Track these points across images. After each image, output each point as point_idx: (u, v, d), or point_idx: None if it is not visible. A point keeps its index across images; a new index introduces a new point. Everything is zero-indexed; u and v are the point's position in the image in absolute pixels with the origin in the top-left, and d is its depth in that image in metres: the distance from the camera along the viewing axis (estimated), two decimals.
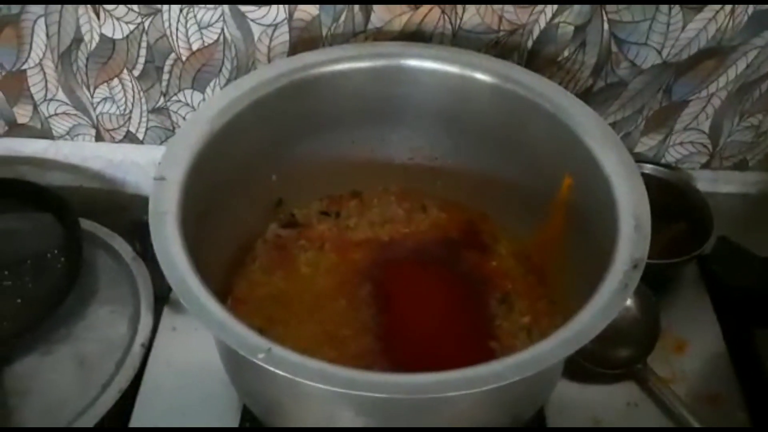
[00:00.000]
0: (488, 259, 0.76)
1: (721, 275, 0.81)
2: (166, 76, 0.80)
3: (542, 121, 0.65)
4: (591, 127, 0.62)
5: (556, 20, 0.72)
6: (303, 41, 0.75)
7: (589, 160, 0.61)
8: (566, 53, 0.75)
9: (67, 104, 0.84)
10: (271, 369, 0.46)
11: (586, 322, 0.50)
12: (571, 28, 0.73)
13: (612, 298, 0.51)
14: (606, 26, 0.72)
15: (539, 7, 0.71)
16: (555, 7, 0.71)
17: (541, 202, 0.69)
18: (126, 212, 0.89)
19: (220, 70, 0.79)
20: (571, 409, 0.71)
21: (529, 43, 0.74)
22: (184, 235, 0.55)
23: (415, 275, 0.75)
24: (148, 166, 0.89)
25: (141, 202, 0.92)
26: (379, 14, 0.73)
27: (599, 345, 0.71)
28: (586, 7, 0.71)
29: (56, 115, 0.85)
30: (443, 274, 0.75)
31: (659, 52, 0.74)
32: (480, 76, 0.68)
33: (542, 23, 0.73)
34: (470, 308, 0.73)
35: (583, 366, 0.72)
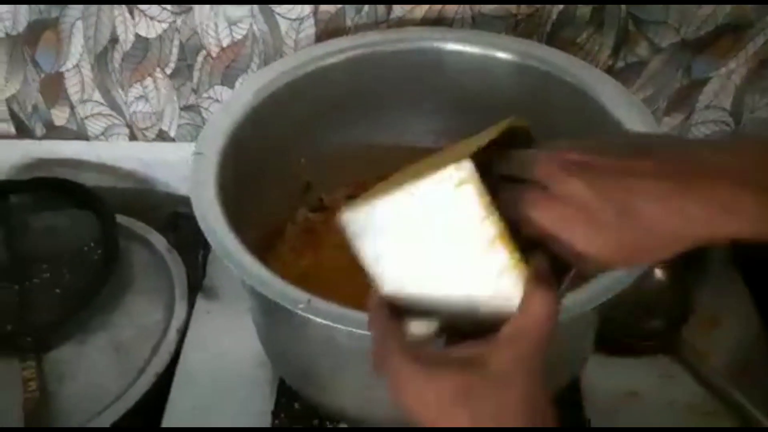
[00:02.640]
0: None
1: (752, 249, 0.80)
2: (196, 74, 0.83)
3: (566, 95, 0.67)
4: (616, 98, 0.64)
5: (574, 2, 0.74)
6: (328, 33, 0.78)
7: (618, 131, 0.62)
8: (585, 34, 0.77)
9: (102, 104, 0.87)
10: (312, 318, 0.47)
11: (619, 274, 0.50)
12: (589, 8, 0.75)
13: None
14: (623, 6, 0.74)
15: None
16: None
17: None
18: (159, 210, 0.91)
19: (249, 65, 0.82)
20: (605, 382, 0.71)
21: (548, 26, 0.76)
22: (222, 204, 0.57)
23: None
24: (180, 164, 0.90)
25: (173, 200, 0.95)
26: (401, 3, 0.75)
27: (630, 315, 0.71)
28: None
29: (92, 115, 0.88)
30: None
31: (677, 30, 0.75)
32: (501, 54, 0.70)
33: (560, 5, 0.75)
34: None
35: (616, 338, 0.72)
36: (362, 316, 0.48)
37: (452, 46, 0.71)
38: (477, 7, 0.75)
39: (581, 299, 0.50)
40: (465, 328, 0.37)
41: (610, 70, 0.79)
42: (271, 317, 0.59)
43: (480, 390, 0.33)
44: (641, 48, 0.77)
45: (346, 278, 0.71)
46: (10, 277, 0.79)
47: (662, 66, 0.78)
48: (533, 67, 0.67)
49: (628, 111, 0.62)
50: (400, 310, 0.39)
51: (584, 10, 0.75)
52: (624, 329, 0.71)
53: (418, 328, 0.39)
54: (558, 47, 0.76)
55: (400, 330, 0.37)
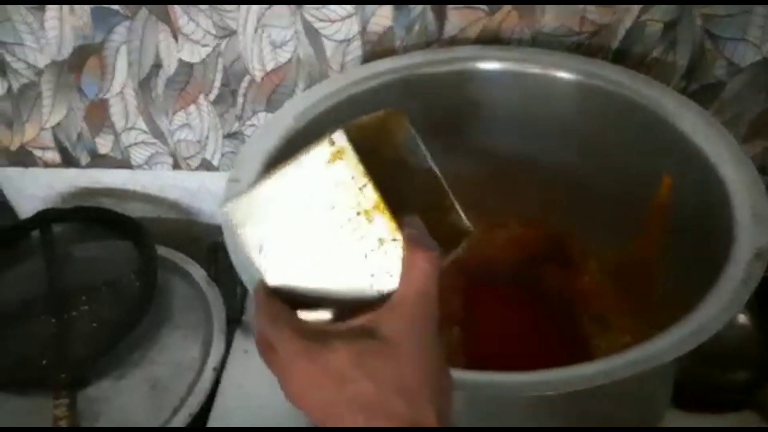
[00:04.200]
0: (576, 276, 0.70)
1: None
2: (240, 99, 0.80)
3: (637, 118, 0.61)
4: (695, 122, 0.57)
5: (643, 18, 0.68)
6: (376, 55, 0.74)
7: (693, 154, 0.56)
8: (655, 53, 0.70)
9: (145, 132, 0.85)
10: None
11: (705, 318, 0.44)
12: (660, 25, 0.69)
13: (733, 291, 0.45)
14: (699, 22, 0.68)
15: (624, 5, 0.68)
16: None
17: (635, 208, 0.64)
18: (200, 241, 0.88)
19: (293, 89, 0.78)
20: None
21: (614, 44, 0.70)
22: None
23: (495, 294, 0.70)
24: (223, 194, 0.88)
25: (216, 231, 0.92)
26: (454, 22, 0.71)
27: (711, 366, 0.64)
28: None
29: (135, 144, 0.86)
30: (525, 293, 0.70)
31: (759, 48, 0.68)
32: (562, 74, 0.64)
33: (628, 22, 0.69)
34: (559, 328, 0.67)
35: (696, 392, 0.64)
36: None
37: (509, 66, 0.66)
38: (536, 26, 0.70)
39: (660, 349, 0.44)
40: (357, 312, 0.36)
41: (683, 92, 0.72)
42: None
43: (376, 356, 0.33)
44: (718, 68, 0.70)
45: None
46: (48, 309, 0.77)
47: (742, 88, 0.71)
48: (599, 88, 0.62)
49: (709, 137, 0.56)
50: (290, 303, 0.38)
51: (654, 27, 0.69)
52: (705, 382, 0.63)
53: (311, 318, 0.38)
54: (626, 67, 0.70)
55: (289, 312, 0.37)
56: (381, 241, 0.35)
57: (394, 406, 0.33)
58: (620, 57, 0.71)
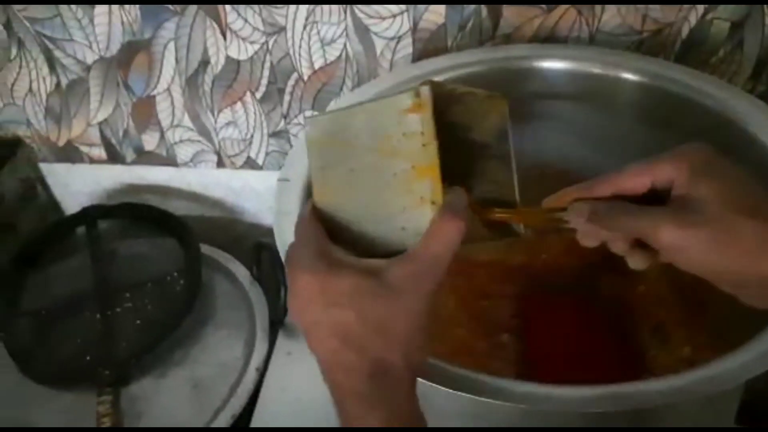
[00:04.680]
0: (634, 284, 0.67)
1: None
2: (287, 97, 0.79)
3: (704, 121, 0.58)
4: (762, 121, 0.54)
5: (709, 17, 0.65)
6: (427, 53, 0.72)
7: (764, 158, 0.53)
8: (721, 53, 0.67)
9: (191, 130, 0.84)
10: None
11: None
12: (727, 24, 0.66)
13: None
14: (767, 21, 0.65)
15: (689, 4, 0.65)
16: None
17: None
18: (244, 240, 0.87)
19: (341, 88, 0.77)
20: None
21: (677, 44, 0.67)
22: None
23: (549, 302, 0.68)
24: (267, 193, 0.87)
25: (259, 230, 0.91)
26: (509, 19, 0.69)
27: None
28: None
29: (181, 141, 0.86)
30: (580, 302, 0.67)
31: None
32: (625, 75, 0.62)
33: (692, 20, 0.66)
34: (615, 338, 0.64)
35: (762, 407, 0.61)
36: (461, 374, 0.42)
37: (567, 66, 0.63)
38: (595, 24, 0.67)
39: (731, 370, 0.41)
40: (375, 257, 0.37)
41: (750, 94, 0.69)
42: None
43: (371, 294, 0.35)
44: None
45: (440, 323, 0.65)
46: (93, 305, 0.77)
47: None
48: (663, 90, 0.59)
49: None
50: (326, 228, 0.39)
51: (721, 27, 0.66)
52: None
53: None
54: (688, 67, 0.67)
55: (322, 233, 0.38)
56: (422, 200, 0.36)
57: (369, 342, 0.35)
58: (683, 57, 0.68)
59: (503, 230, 0.42)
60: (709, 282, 0.37)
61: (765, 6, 0.64)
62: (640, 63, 0.61)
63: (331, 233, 0.39)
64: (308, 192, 0.55)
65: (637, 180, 0.37)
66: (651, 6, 0.65)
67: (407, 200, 0.37)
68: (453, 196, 0.36)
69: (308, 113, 0.80)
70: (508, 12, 0.68)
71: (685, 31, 0.66)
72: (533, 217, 0.42)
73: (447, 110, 0.38)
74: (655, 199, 0.37)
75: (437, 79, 0.58)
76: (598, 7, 0.66)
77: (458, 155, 0.39)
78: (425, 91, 0.36)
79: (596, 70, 0.62)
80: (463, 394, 0.41)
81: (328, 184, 0.40)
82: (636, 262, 0.39)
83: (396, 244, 0.37)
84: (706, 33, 0.66)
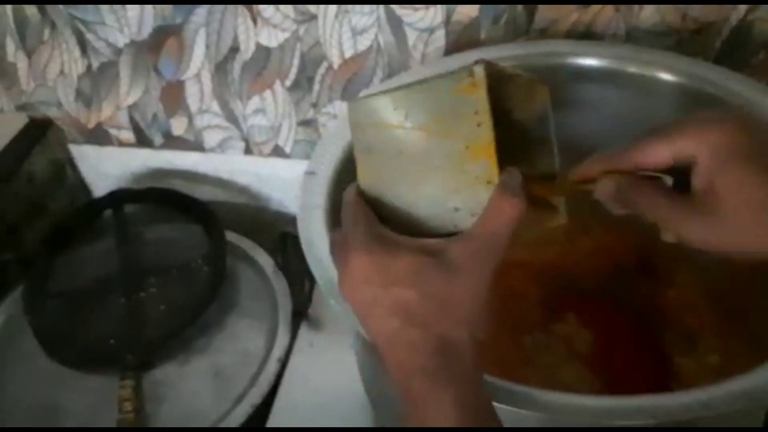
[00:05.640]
0: (666, 289, 0.66)
1: None
2: (317, 86, 0.78)
3: None
4: None
5: (750, 17, 0.63)
6: (460, 46, 0.71)
7: None
8: (762, 55, 0.65)
9: (219, 116, 0.84)
10: None
11: None
12: None
13: None
14: None
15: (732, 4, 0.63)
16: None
17: None
18: (270, 228, 0.87)
19: (371, 78, 0.76)
20: None
21: (717, 44, 0.65)
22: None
23: (576, 304, 0.67)
24: (294, 182, 0.87)
25: (285, 219, 0.91)
26: (544, 14, 0.67)
27: None
28: None
29: (209, 127, 0.86)
30: (608, 304, 0.66)
31: None
32: (663, 75, 0.60)
33: (733, 21, 0.64)
34: (644, 343, 0.63)
35: None
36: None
37: (603, 64, 0.62)
38: (633, 21, 0.65)
39: (759, 385, 0.40)
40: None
41: None
42: (377, 366, 0.52)
43: (432, 272, 0.35)
44: None
45: None
46: (119, 289, 0.78)
47: None
48: (703, 92, 0.57)
49: None
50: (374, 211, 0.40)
51: (763, 27, 0.64)
52: None
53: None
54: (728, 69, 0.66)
55: (372, 215, 0.39)
56: (478, 179, 0.36)
57: (431, 318, 0.35)
58: (723, 58, 0.66)
59: (545, 216, 0.42)
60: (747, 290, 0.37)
61: None
62: (677, 63, 0.59)
63: (377, 216, 0.39)
64: (335, 185, 0.55)
65: (658, 156, 0.37)
66: (691, 5, 0.63)
67: (461, 181, 0.37)
68: (509, 176, 0.36)
69: (338, 103, 0.79)
70: (544, 7, 0.66)
71: (725, 32, 0.64)
72: (564, 189, 0.42)
73: (497, 92, 0.38)
74: (678, 171, 0.37)
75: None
76: (636, 5, 0.65)
77: (505, 138, 0.39)
78: (480, 71, 0.36)
79: (632, 69, 0.61)
80: None
81: (373, 166, 0.40)
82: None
83: (448, 225, 0.37)
84: (747, 34, 0.64)
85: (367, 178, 0.40)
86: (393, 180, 0.39)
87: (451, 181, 0.37)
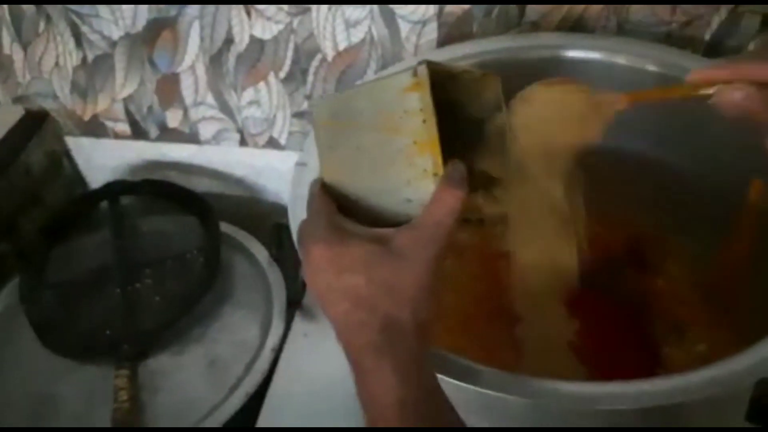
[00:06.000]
0: (655, 280, 0.67)
1: None
2: (310, 78, 0.79)
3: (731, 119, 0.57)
4: None
5: (741, 9, 0.64)
6: (452, 38, 0.71)
7: None
8: (751, 47, 0.66)
9: (214, 108, 0.85)
10: None
11: None
12: (758, 18, 0.64)
13: None
14: None
15: None
16: None
17: (723, 213, 0.60)
18: (265, 219, 0.88)
19: (365, 70, 0.76)
20: None
21: (707, 36, 0.66)
22: None
23: (566, 294, 0.67)
24: (288, 173, 0.87)
25: (280, 210, 0.91)
26: (535, 7, 0.68)
27: None
28: None
29: (204, 119, 0.86)
30: (599, 294, 0.67)
31: None
32: (651, 67, 0.60)
33: (723, 13, 0.64)
34: (633, 333, 0.64)
35: None
36: (468, 366, 0.42)
37: (592, 56, 0.62)
38: (624, 13, 0.66)
39: (743, 368, 0.41)
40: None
41: None
42: None
43: (380, 259, 0.38)
44: None
45: (457, 311, 0.65)
46: (114, 280, 0.78)
47: None
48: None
49: None
50: (336, 203, 0.42)
51: (752, 20, 0.64)
52: None
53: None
54: None
55: (332, 208, 0.42)
56: (425, 172, 0.39)
57: (378, 301, 0.38)
58: (712, 50, 0.67)
59: (500, 200, 0.44)
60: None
61: None
62: (665, 55, 0.60)
63: (340, 208, 0.42)
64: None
65: None
66: None
67: (411, 174, 0.39)
68: (453, 168, 0.39)
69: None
70: None
71: (715, 24, 0.65)
72: (677, 92, 0.43)
73: (446, 89, 0.41)
74: None
75: (442, 62, 0.59)
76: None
77: (458, 132, 0.42)
78: (423, 70, 0.38)
79: (621, 61, 0.61)
80: (469, 386, 0.41)
81: (335, 162, 0.43)
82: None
83: (402, 215, 0.40)
84: (737, 26, 0.65)
85: (329, 172, 0.43)
86: (352, 174, 0.42)
87: (403, 174, 0.39)
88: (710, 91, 0.40)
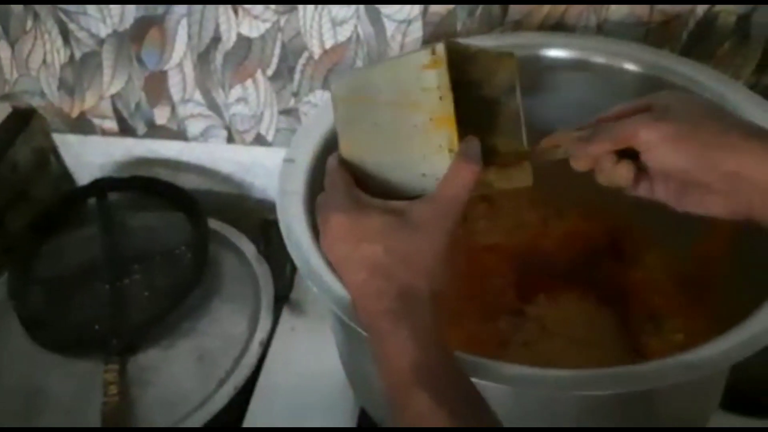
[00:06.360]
0: (633, 271, 0.68)
1: None
2: (297, 76, 0.80)
3: None
4: (761, 117, 0.55)
5: (716, 9, 0.66)
6: (437, 37, 0.73)
7: None
8: (727, 45, 0.68)
9: (202, 105, 0.85)
10: None
11: (764, 323, 0.43)
12: (733, 18, 0.66)
13: None
14: None
15: None
16: None
17: None
18: (252, 216, 0.89)
19: (352, 68, 0.78)
20: None
21: (684, 35, 0.68)
22: (311, 218, 0.53)
23: (548, 285, 0.69)
24: (276, 170, 0.88)
25: (267, 207, 0.92)
26: (518, 7, 0.69)
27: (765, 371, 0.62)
28: None
29: (191, 116, 0.87)
30: (580, 286, 0.69)
31: None
32: (628, 65, 0.62)
33: (700, 12, 0.66)
34: (611, 324, 0.66)
35: (751, 397, 0.62)
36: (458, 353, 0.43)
37: (572, 54, 0.64)
38: (603, 13, 0.68)
39: (717, 354, 0.43)
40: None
41: (753, 89, 0.69)
42: (354, 343, 0.54)
43: (397, 230, 0.39)
44: None
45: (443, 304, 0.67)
46: (103, 275, 0.79)
47: None
48: (666, 81, 0.60)
49: None
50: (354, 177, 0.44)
51: (727, 19, 0.66)
52: (760, 387, 0.62)
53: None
54: (695, 60, 0.68)
55: (350, 180, 0.43)
56: (440, 147, 0.40)
57: (395, 270, 0.39)
58: (689, 48, 0.68)
59: (512, 177, 0.45)
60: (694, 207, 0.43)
61: None
62: (643, 54, 0.62)
63: (357, 182, 0.43)
64: (313, 173, 0.57)
65: (616, 111, 0.44)
66: None
67: (427, 149, 0.40)
68: (467, 144, 0.40)
69: (319, 92, 0.81)
70: None
71: (691, 23, 0.67)
72: (533, 154, 0.46)
73: (462, 68, 0.42)
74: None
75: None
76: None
77: (473, 110, 0.43)
78: (440, 48, 0.39)
79: (600, 59, 0.63)
80: None
81: (353, 137, 0.44)
82: (621, 174, 0.43)
83: (417, 189, 0.41)
84: (713, 25, 0.67)
85: (347, 148, 0.45)
86: (369, 149, 0.43)
87: (419, 149, 0.41)
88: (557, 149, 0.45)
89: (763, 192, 0.38)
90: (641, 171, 0.43)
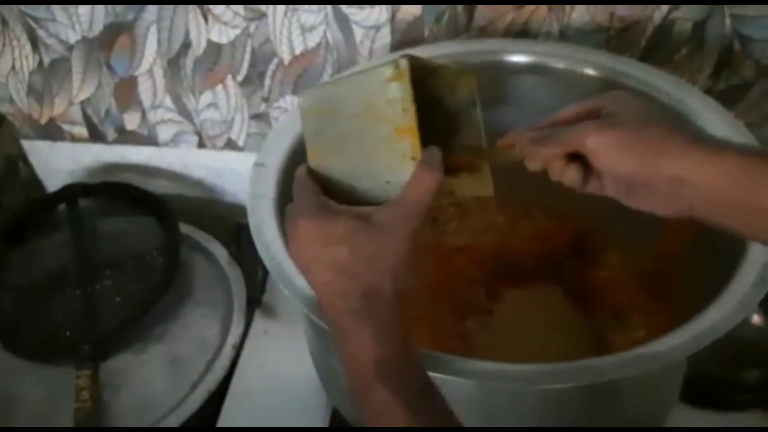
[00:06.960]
0: (597, 270, 0.70)
1: None
2: (268, 81, 0.81)
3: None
4: (718, 123, 0.57)
5: (673, 16, 0.68)
6: (405, 43, 0.74)
7: None
8: (683, 51, 0.70)
9: (172, 111, 0.86)
10: None
11: (717, 318, 0.45)
12: (689, 24, 0.68)
13: (747, 291, 0.46)
14: (728, 22, 0.67)
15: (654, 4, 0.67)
16: None
17: None
18: (224, 220, 0.89)
19: (321, 74, 0.79)
20: None
21: (643, 41, 0.70)
22: (281, 221, 0.54)
23: (516, 284, 0.71)
24: (247, 174, 0.88)
25: (239, 211, 0.93)
26: (483, 13, 0.71)
27: (724, 366, 0.64)
28: None
29: (162, 121, 0.87)
30: (546, 285, 0.71)
31: None
32: (589, 71, 0.64)
33: (657, 19, 0.69)
34: (578, 322, 0.68)
35: (708, 390, 0.65)
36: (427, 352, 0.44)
37: (534, 60, 0.66)
38: (565, 20, 0.70)
39: (671, 347, 0.45)
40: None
41: (709, 93, 0.71)
42: (325, 344, 0.55)
43: (362, 232, 0.41)
44: (746, 69, 0.70)
45: (413, 304, 0.68)
46: (74, 282, 0.79)
47: None
48: (625, 86, 0.62)
49: (731, 133, 0.56)
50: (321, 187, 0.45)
51: (684, 26, 0.69)
52: (717, 381, 0.64)
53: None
54: (653, 65, 0.70)
55: (317, 189, 0.44)
56: (404, 156, 0.42)
57: (359, 270, 0.41)
58: (648, 54, 0.71)
59: (473, 186, 0.47)
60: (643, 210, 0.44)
61: (725, 6, 0.66)
62: (603, 59, 0.64)
63: (324, 191, 0.45)
64: (283, 176, 0.58)
65: (568, 112, 0.46)
66: (618, 5, 0.68)
67: (391, 158, 0.42)
68: (429, 153, 0.42)
69: (289, 97, 0.82)
70: (482, 6, 0.70)
71: (649, 30, 0.69)
72: (490, 155, 0.48)
73: (425, 82, 0.44)
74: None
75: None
76: (567, 5, 0.69)
77: (435, 121, 0.45)
78: (404, 62, 0.41)
79: (561, 65, 0.65)
80: None
81: (320, 147, 0.46)
82: (570, 176, 0.45)
83: (382, 196, 0.43)
84: (670, 32, 0.69)
85: (315, 158, 0.46)
86: (336, 159, 0.45)
87: (384, 158, 0.43)
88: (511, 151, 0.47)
89: (703, 195, 0.40)
90: (592, 171, 0.45)
